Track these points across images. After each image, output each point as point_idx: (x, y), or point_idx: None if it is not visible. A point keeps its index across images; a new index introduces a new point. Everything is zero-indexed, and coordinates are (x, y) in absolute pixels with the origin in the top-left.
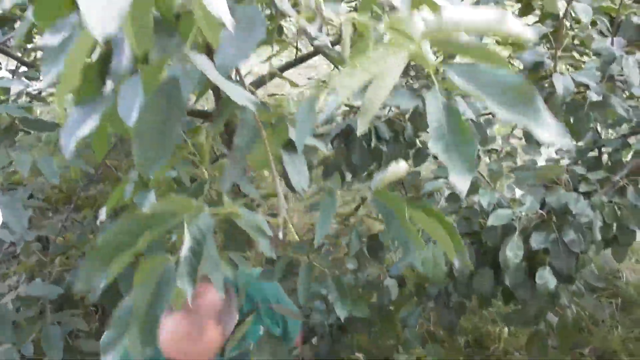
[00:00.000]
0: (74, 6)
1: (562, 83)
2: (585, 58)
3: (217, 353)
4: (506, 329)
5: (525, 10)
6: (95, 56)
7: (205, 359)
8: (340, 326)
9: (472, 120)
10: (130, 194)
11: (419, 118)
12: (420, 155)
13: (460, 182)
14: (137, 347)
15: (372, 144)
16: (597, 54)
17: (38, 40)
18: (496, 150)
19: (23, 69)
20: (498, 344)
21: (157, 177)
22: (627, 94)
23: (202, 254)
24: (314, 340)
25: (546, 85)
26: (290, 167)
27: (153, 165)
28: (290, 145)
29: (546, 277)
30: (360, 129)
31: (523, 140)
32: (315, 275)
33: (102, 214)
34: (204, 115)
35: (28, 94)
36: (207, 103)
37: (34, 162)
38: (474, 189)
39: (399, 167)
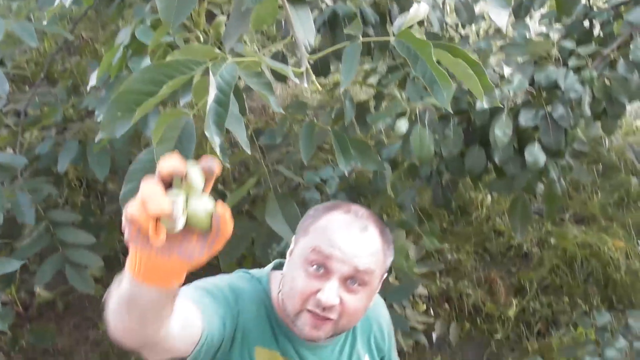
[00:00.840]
0: None
1: None
2: None
3: None
4: (489, 196)
5: None
6: None
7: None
8: None
9: None
10: (119, 60)
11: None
12: None
13: (498, 17)
14: None
15: None
16: None
17: None
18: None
19: None
20: (481, 210)
21: (153, 42)
22: None
23: (228, 104)
24: None
25: None
26: (295, 19)
27: (179, 14)
28: None
29: (536, 154)
30: None
31: (512, 17)
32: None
33: (93, 79)
34: None
35: None
36: None
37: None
38: None
39: (420, 9)
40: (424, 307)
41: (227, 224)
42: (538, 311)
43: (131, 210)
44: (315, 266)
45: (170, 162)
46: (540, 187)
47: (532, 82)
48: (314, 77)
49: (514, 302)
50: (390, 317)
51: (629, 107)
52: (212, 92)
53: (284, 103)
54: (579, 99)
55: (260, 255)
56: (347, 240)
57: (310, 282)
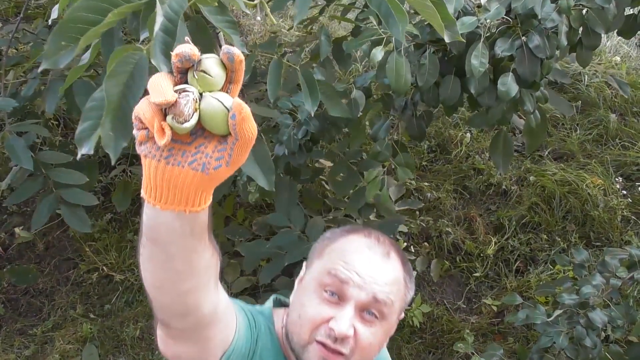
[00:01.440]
0: None
1: None
2: None
3: None
4: (468, 134)
5: None
6: None
7: None
8: (310, 139)
9: None
10: None
11: None
12: None
13: None
14: (110, 138)
15: None
16: None
17: None
18: None
19: None
20: (460, 147)
21: None
22: None
23: (175, 34)
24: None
25: None
26: None
27: None
28: None
29: (508, 84)
30: None
31: None
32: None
33: (54, 12)
34: None
35: None
36: None
37: None
38: None
39: None
40: (404, 245)
41: (246, 124)
42: (517, 249)
43: (137, 105)
44: (329, 292)
45: (179, 48)
46: (521, 123)
47: (508, 11)
48: (268, 9)
49: (493, 240)
50: None
51: (608, 43)
52: (159, 20)
53: (262, 40)
54: (555, 29)
55: (242, 195)
56: (367, 265)
57: (322, 308)
